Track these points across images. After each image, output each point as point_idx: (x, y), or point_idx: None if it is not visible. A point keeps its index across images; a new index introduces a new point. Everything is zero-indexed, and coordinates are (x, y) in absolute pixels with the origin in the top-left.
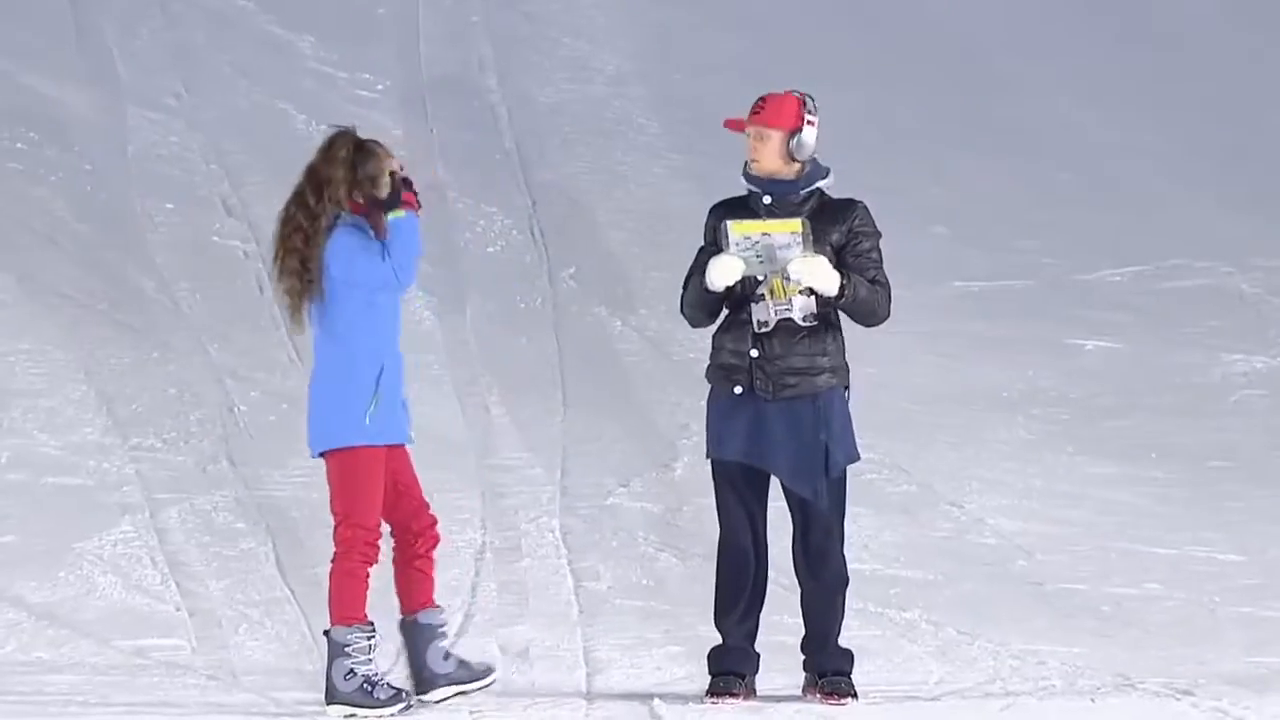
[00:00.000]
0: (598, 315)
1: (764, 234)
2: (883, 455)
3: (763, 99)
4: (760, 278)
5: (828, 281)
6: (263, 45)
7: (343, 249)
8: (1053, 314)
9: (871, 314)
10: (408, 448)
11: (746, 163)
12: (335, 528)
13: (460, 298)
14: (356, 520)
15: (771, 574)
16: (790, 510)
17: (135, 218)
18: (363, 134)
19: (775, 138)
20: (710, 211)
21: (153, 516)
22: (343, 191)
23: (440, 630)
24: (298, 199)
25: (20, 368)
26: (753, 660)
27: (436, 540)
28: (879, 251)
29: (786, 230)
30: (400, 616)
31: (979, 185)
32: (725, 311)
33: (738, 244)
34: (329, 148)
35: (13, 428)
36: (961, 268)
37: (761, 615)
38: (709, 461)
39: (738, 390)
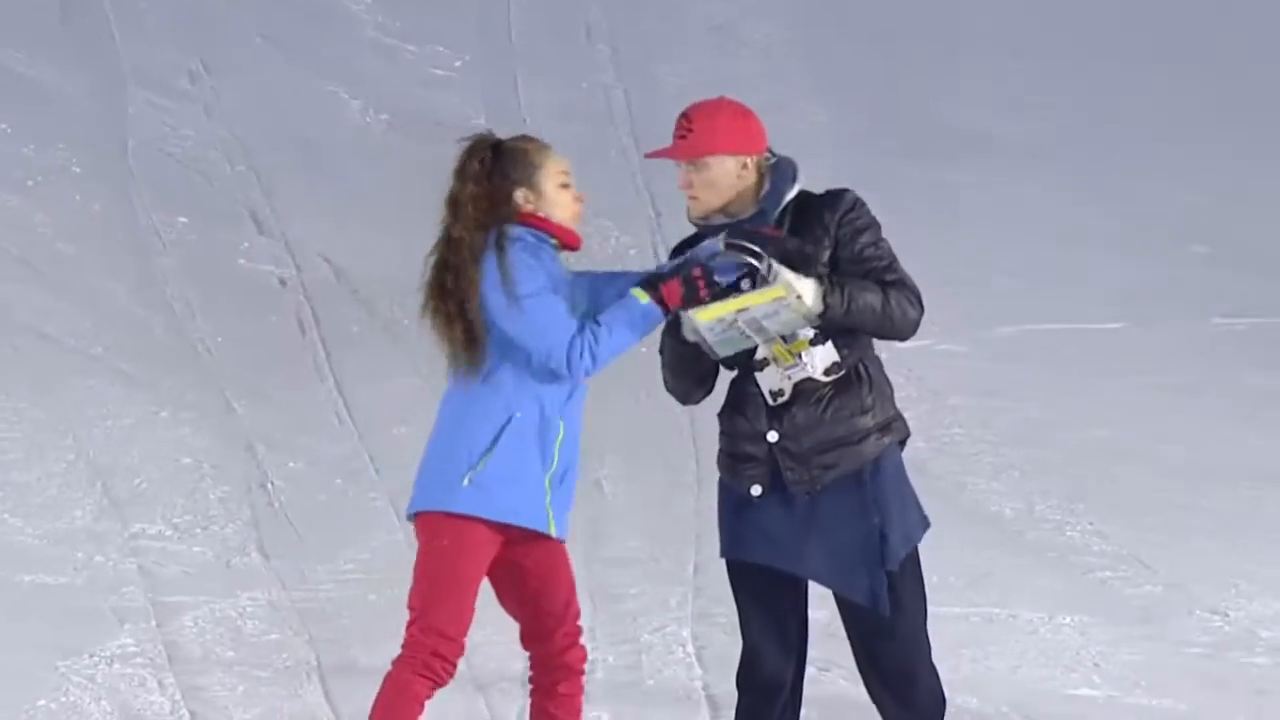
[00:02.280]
0: None
1: (740, 310)
2: (1118, 546)
3: (686, 116)
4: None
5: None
6: (305, 9)
7: (512, 265)
8: None
9: (887, 320)
10: (563, 543)
11: (688, 205)
12: (408, 623)
13: None
14: (431, 621)
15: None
16: (844, 622)
17: (138, 235)
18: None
19: (715, 166)
20: (671, 254)
21: (160, 626)
22: (485, 207)
23: None
24: (441, 239)
25: None
26: None
27: (574, 670)
28: (885, 244)
29: (766, 299)
30: None
31: (1249, 191)
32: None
33: (711, 330)
34: (460, 168)
35: None
36: (1224, 298)
37: None
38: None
39: (755, 491)
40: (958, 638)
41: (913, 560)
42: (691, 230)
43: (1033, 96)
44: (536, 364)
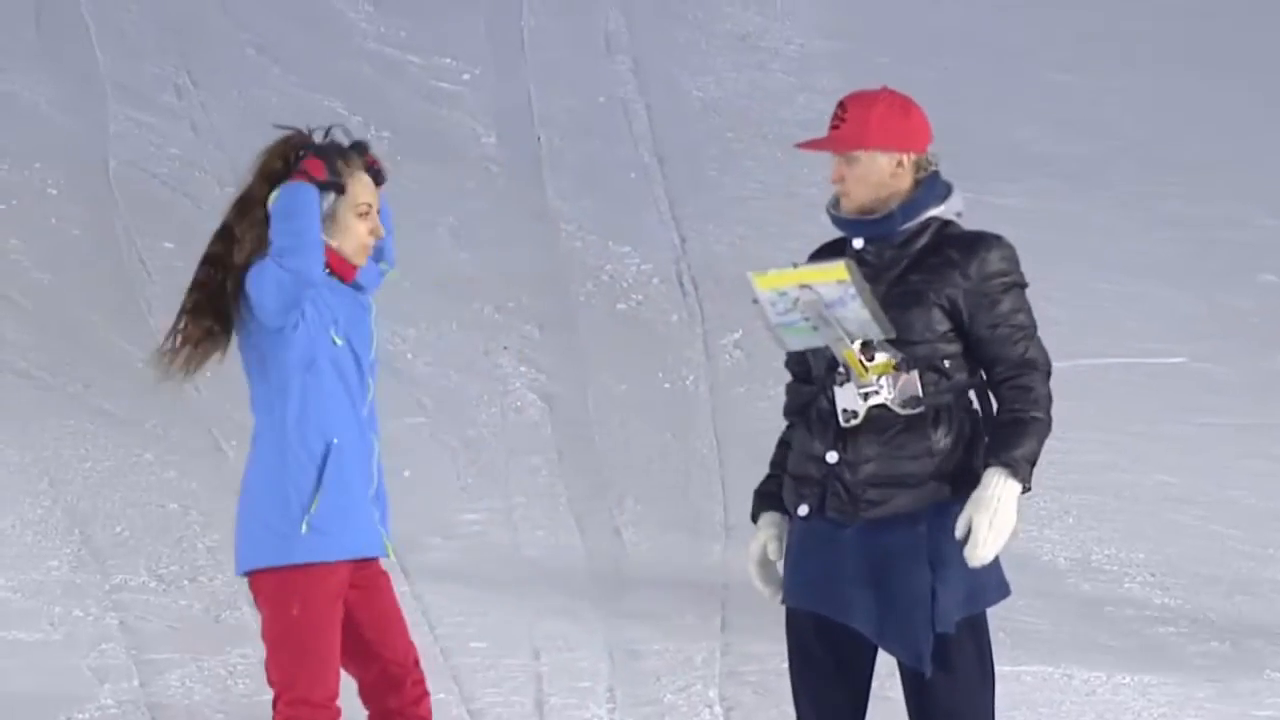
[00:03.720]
0: (773, 400)
1: (802, 286)
2: (1181, 600)
3: (842, 105)
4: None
5: (1007, 510)
6: (301, 18)
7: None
8: None
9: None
10: (385, 571)
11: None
12: (273, 700)
13: (580, 374)
14: (297, 693)
15: None
16: (902, 683)
17: (121, 262)
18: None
19: (866, 162)
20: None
21: (143, 685)
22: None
23: None
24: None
25: None
26: None
27: None
28: (1026, 308)
29: (830, 279)
30: None
31: None
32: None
33: (773, 304)
34: (261, 165)
35: None
36: None
37: None
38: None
39: (802, 511)
40: (1009, 699)
41: (975, 626)
42: (743, 235)
43: (1087, 114)
44: (275, 324)
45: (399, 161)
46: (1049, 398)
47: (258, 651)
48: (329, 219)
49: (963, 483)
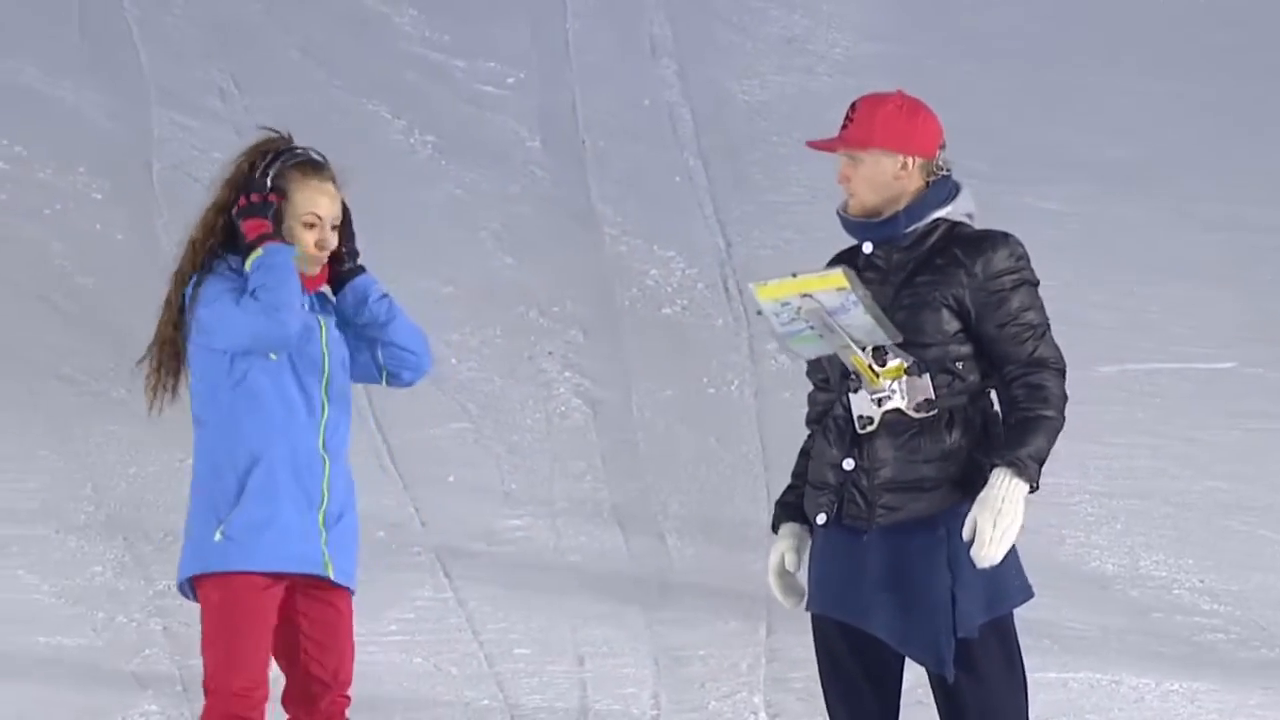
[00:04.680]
0: None
1: (803, 295)
2: (1230, 606)
3: (853, 105)
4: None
5: (1014, 508)
6: (345, 22)
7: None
8: None
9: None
10: (349, 597)
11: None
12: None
13: (624, 379)
14: (218, 684)
15: None
16: (932, 689)
17: (164, 266)
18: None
19: (870, 162)
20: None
21: (186, 691)
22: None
23: None
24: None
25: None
26: None
27: None
28: (1039, 306)
29: (829, 286)
30: None
31: None
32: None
33: (777, 315)
34: (230, 175)
35: None
36: None
37: None
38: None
39: (820, 519)
40: (1055, 706)
41: (1000, 630)
42: (789, 239)
43: (1135, 118)
44: (262, 350)
45: (443, 166)
46: (1062, 396)
47: None
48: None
49: (980, 485)
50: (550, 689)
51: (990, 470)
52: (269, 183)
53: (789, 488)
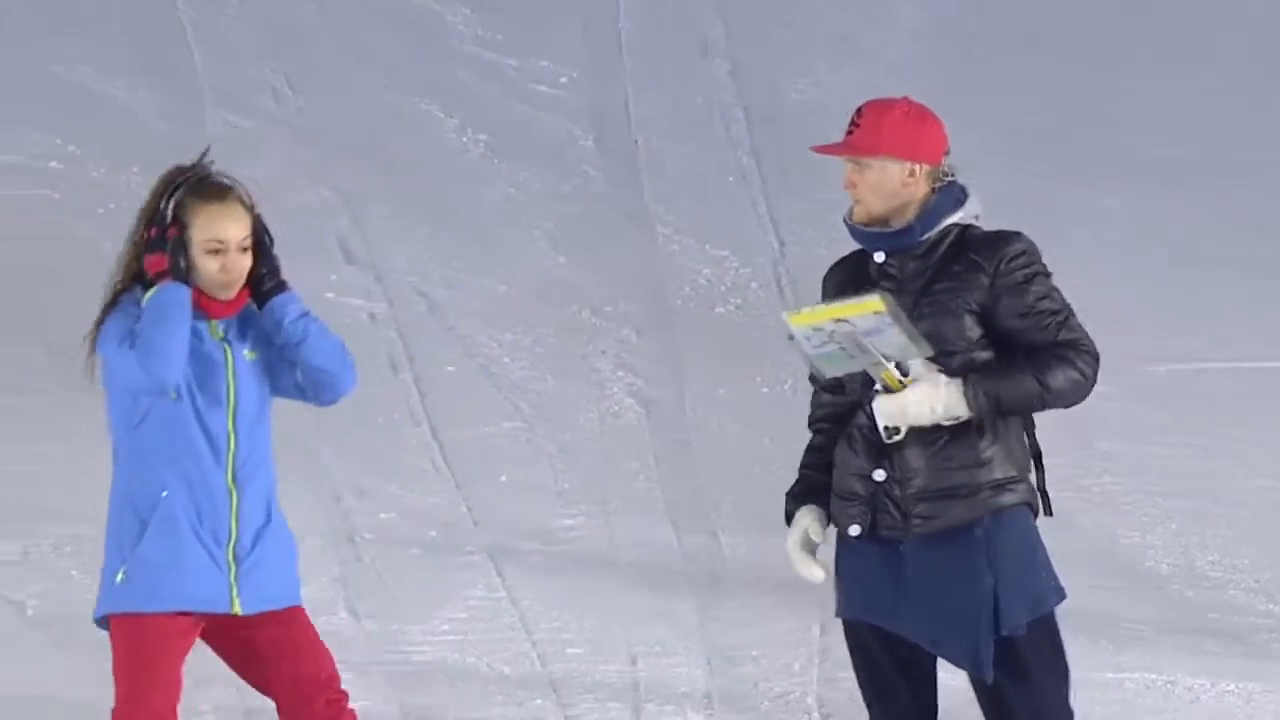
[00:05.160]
0: None
1: (837, 320)
2: None
3: (859, 111)
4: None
5: (932, 408)
6: (397, 21)
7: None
8: None
9: (1056, 397)
10: (299, 612)
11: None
12: None
13: (677, 379)
14: (122, 715)
15: None
16: (975, 693)
17: None
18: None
19: (877, 169)
20: (824, 280)
21: (240, 691)
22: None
23: None
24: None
25: (50, 478)
26: None
27: None
28: (1057, 294)
29: (865, 311)
30: None
31: None
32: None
33: (809, 339)
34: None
35: (41, 561)
36: None
37: None
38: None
39: (854, 531)
40: (1110, 707)
41: (1044, 629)
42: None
43: (1192, 117)
44: (148, 394)
45: (496, 165)
46: (1080, 379)
47: (355, 658)
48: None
49: (1014, 490)
50: (603, 689)
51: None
52: (169, 214)
53: (797, 481)
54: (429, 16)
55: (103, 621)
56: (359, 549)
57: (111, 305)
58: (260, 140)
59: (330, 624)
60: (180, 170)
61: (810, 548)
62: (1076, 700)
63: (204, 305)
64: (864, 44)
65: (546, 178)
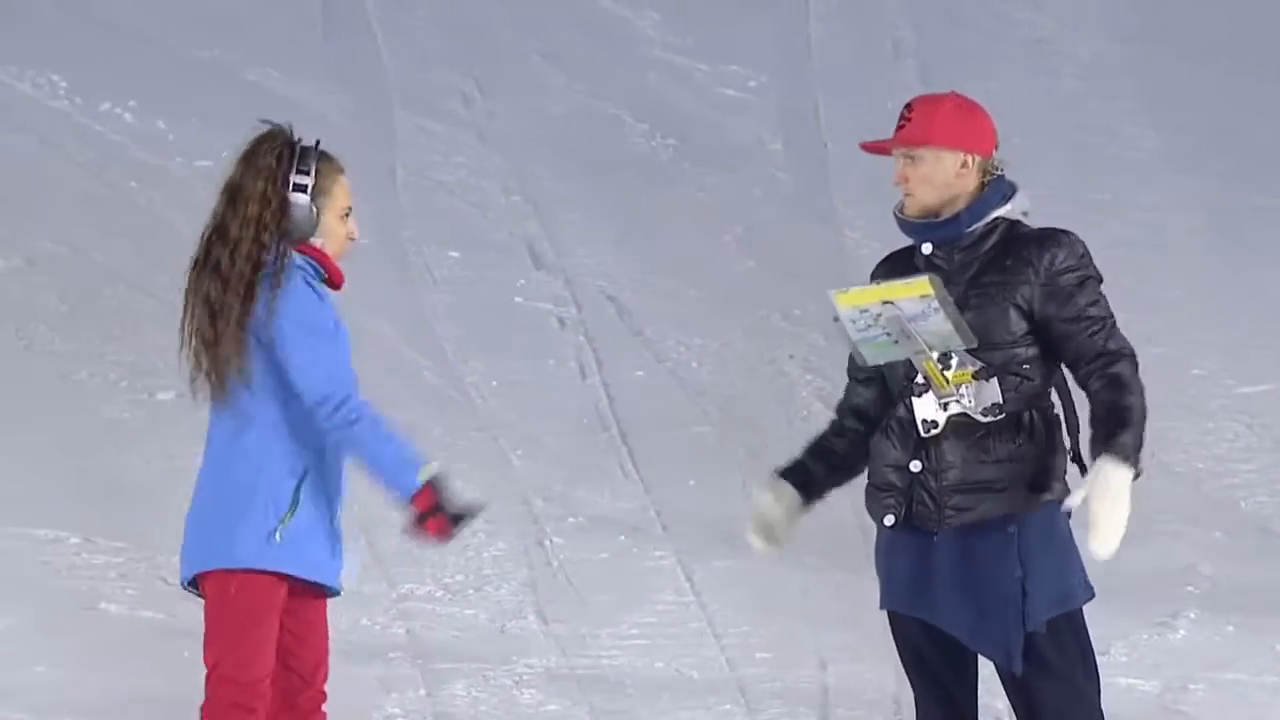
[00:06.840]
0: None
1: (885, 302)
2: None
3: (908, 105)
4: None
5: (1122, 505)
6: (587, 26)
7: (299, 297)
8: None
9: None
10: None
11: (902, 200)
12: (205, 677)
13: None
14: (224, 671)
15: None
16: (1003, 686)
17: (407, 270)
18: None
19: (930, 161)
20: (872, 275)
21: (429, 695)
22: (275, 214)
23: None
24: (213, 232)
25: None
26: None
27: None
28: (1103, 300)
29: (913, 294)
30: None
31: None
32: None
33: (854, 321)
34: (248, 156)
35: None
36: None
37: None
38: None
39: (888, 521)
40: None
41: (1070, 625)
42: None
43: None
44: (308, 406)
45: (685, 169)
46: (1139, 383)
47: (544, 661)
48: (315, 222)
49: (1049, 488)
50: (792, 694)
51: (1095, 461)
52: (313, 175)
53: (796, 459)
54: (618, 21)
55: (213, 574)
56: (548, 553)
57: (257, 267)
58: (449, 144)
59: (519, 628)
60: (283, 132)
61: (766, 521)
62: None
63: (334, 275)
64: (1056, 47)
65: (735, 182)
